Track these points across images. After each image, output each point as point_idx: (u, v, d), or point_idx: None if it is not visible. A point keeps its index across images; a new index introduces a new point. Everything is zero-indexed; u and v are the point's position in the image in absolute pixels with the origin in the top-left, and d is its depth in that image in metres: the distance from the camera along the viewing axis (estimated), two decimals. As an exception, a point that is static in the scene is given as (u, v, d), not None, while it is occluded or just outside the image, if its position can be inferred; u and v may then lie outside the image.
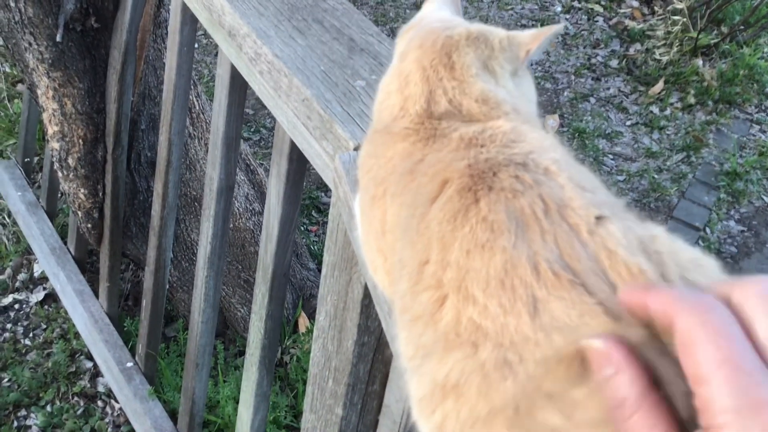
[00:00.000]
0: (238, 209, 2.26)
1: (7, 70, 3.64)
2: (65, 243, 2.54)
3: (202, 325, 1.81)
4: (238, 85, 1.40)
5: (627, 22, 4.45)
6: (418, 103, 0.68)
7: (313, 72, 1.01)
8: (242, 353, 2.51)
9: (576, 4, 4.62)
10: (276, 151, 1.29)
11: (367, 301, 1.00)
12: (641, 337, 0.48)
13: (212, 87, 1.45)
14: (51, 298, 2.60)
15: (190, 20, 1.58)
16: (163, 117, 1.75)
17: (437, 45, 0.71)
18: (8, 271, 2.69)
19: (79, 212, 2.11)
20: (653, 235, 0.55)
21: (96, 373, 2.34)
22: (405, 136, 0.68)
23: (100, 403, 2.27)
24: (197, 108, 2.11)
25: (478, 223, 0.55)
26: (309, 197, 3.05)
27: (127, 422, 2.19)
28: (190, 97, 2.04)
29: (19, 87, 3.55)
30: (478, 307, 0.53)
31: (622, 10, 4.57)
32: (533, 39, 0.74)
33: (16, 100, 3.46)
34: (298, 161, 1.27)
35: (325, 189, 3.09)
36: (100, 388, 2.31)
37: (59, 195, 2.73)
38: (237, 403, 2.20)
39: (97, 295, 2.35)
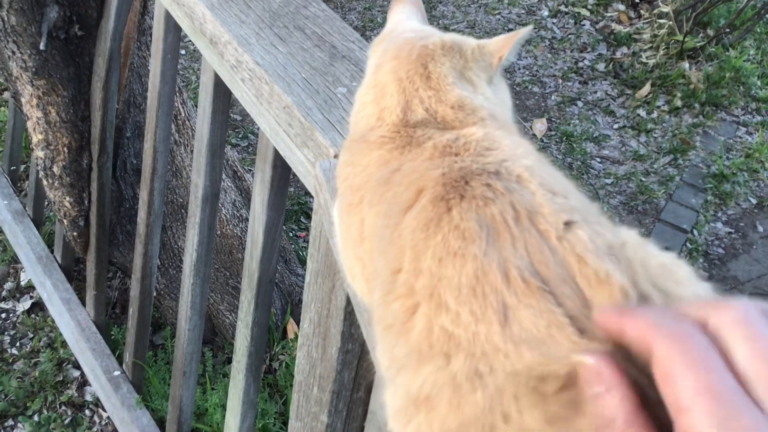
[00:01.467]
0: (225, 216, 2.26)
1: (-7, 77, 3.62)
2: (52, 251, 2.52)
3: (189, 333, 1.80)
4: (222, 92, 1.40)
5: (613, 25, 4.47)
6: (395, 113, 0.69)
7: (294, 79, 1.01)
8: (231, 360, 2.50)
9: (563, 8, 4.63)
10: (260, 158, 1.28)
11: (350, 308, 1.00)
12: (605, 352, 0.48)
13: (198, 100, 1.46)
14: (38, 306, 2.58)
15: (173, 28, 1.58)
16: (148, 124, 1.74)
17: (413, 55, 0.71)
18: (-5, 280, 2.67)
19: (65, 221, 2.10)
20: (623, 242, 0.56)
21: (83, 382, 2.33)
22: (381, 144, 0.68)
23: (87, 412, 2.26)
24: (183, 115, 2.10)
25: (450, 232, 0.55)
26: (297, 203, 3.05)
27: (115, 431, 2.17)
28: (176, 103, 2.03)
29: (5, 95, 3.53)
30: (451, 315, 0.53)
31: (608, 14, 4.59)
32: (503, 45, 0.74)
33: (2, 108, 3.44)
34: (282, 168, 1.27)
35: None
36: (88, 397, 2.29)
37: (46, 203, 2.72)
38: (225, 409, 2.21)
39: (84, 303, 2.34)
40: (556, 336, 0.48)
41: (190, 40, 4.01)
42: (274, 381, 2.38)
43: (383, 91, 0.70)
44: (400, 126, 0.67)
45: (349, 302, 0.99)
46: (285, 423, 2.27)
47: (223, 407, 2.20)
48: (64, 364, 2.38)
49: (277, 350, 2.45)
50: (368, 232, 0.66)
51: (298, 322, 2.49)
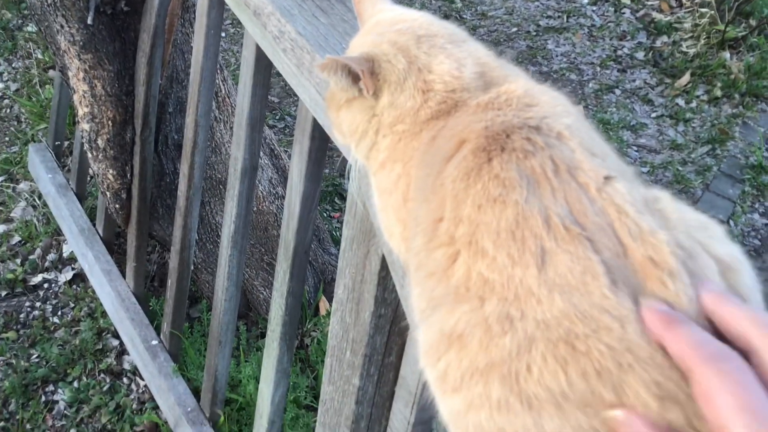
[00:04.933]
0: (261, 192, 2.30)
1: (39, 56, 3.72)
2: (94, 225, 2.59)
3: (226, 303, 1.85)
4: (263, 65, 1.44)
5: (654, 14, 4.42)
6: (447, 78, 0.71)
7: (334, 49, 1.04)
8: (264, 335, 2.54)
9: (603, -5, 4.59)
10: (299, 130, 1.32)
11: (384, 273, 1.03)
12: (631, 309, 0.50)
13: (239, 75, 1.49)
14: (79, 278, 2.66)
15: (217, 3, 1.61)
16: (190, 98, 1.79)
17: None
18: (38, 251, 2.76)
19: (108, 193, 2.16)
20: (657, 197, 0.58)
21: (122, 351, 2.40)
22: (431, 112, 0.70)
23: (125, 380, 2.33)
24: (223, 92, 2.15)
25: (490, 180, 0.58)
26: (332, 184, 3.09)
27: (152, 399, 2.24)
28: (217, 80, 2.07)
29: (51, 73, 3.62)
30: (487, 260, 0.55)
31: (649, 2, 4.54)
32: None
33: (47, 86, 3.53)
34: (320, 139, 1.30)
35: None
36: (126, 366, 2.36)
37: (88, 178, 2.79)
38: (258, 381, 2.26)
39: (124, 275, 2.40)
40: (590, 284, 0.50)
41: (230, 23, 4.07)
42: (306, 356, 2.43)
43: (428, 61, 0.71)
44: (448, 92, 0.69)
45: (383, 267, 1.02)
46: (316, 397, 2.31)
47: (256, 379, 2.25)
48: (104, 334, 2.45)
49: (309, 327, 2.50)
50: (413, 194, 0.69)
51: (330, 300, 2.53)
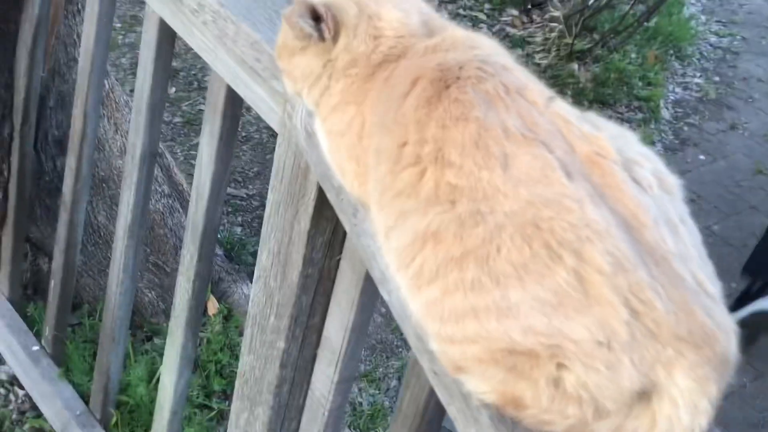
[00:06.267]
0: (147, 191, 2.26)
1: None
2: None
3: (120, 297, 1.81)
4: (165, 48, 1.45)
5: (508, 29, 4.72)
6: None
7: (258, 19, 1.08)
8: (149, 339, 2.50)
9: (461, 11, 4.85)
10: (209, 110, 1.34)
11: (313, 231, 1.08)
12: (589, 190, 0.60)
13: (138, 58, 1.49)
14: (-59, 290, 2.48)
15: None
16: (79, 89, 1.75)
17: None
18: None
19: (-19, 192, 2.06)
20: (587, 113, 0.69)
21: (-3, 362, 2.27)
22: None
23: (2, 390, 2.21)
24: (106, 87, 2.11)
25: (451, 103, 0.66)
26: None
27: (33, 408, 2.13)
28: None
29: None
30: (454, 169, 0.63)
31: (503, 18, 4.85)
32: None
33: None
34: (231, 118, 1.33)
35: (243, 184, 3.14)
36: (2, 376, 2.24)
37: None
38: (149, 383, 2.21)
39: (-4, 281, 2.28)
40: (549, 176, 0.60)
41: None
42: (196, 356, 2.40)
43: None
44: (398, 37, 0.77)
45: (312, 226, 1.07)
46: (207, 395, 2.30)
47: (147, 381, 2.21)
48: (-25, 345, 2.30)
49: (197, 327, 2.47)
50: (368, 130, 0.75)
51: (218, 300, 2.52)
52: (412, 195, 0.65)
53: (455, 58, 0.70)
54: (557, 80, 4.16)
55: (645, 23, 4.53)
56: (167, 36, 1.41)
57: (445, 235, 0.61)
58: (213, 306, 2.49)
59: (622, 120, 4.03)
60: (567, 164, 0.61)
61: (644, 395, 0.58)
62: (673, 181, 0.65)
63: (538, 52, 4.42)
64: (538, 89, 0.68)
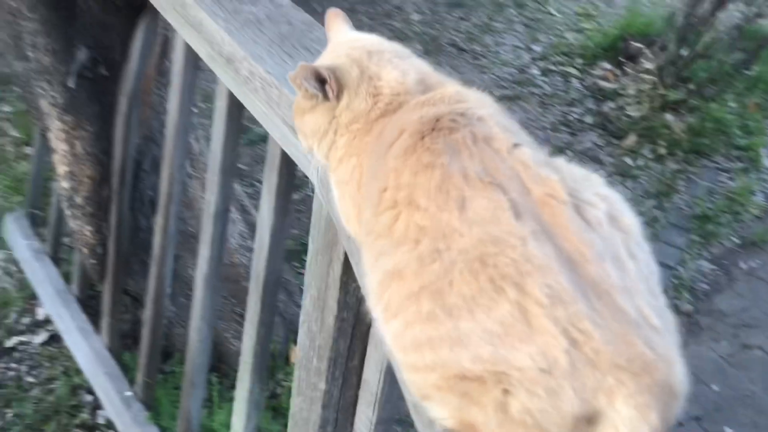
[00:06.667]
0: (233, 246, 2.42)
1: (17, 134, 3.85)
2: (69, 286, 2.68)
3: (199, 344, 1.94)
4: (235, 114, 1.59)
5: (600, 82, 4.71)
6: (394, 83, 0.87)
7: (297, 85, 1.19)
8: (234, 387, 2.62)
9: (552, 67, 4.89)
10: (268, 167, 1.46)
11: (345, 278, 1.15)
12: (535, 228, 0.65)
13: (212, 126, 1.64)
14: (54, 339, 2.71)
15: (191, 65, 1.77)
16: (166, 153, 1.93)
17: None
18: (13, 315, 2.82)
19: (85, 248, 2.26)
20: (554, 159, 0.74)
21: (96, 406, 2.45)
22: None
23: (100, 434, 2.37)
24: (196, 150, 2.29)
25: (423, 152, 0.73)
26: (300, 243, 3.21)
27: (126, 450, 2.28)
28: (190, 139, 2.22)
29: (27, 149, 3.74)
30: (421, 212, 0.70)
31: (595, 72, 4.84)
32: None
33: (22, 161, 3.65)
34: (287, 175, 1.44)
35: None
36: (100, 420, 2.41)
37: (62, 243, 2.88)
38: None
39: (98, 331, 2.47)
40: (500, 217, 0.65)
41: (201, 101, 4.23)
42: (278, 404, 2.50)
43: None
44: (394, 95, 0.85)
45: (344, 271, 1.15)
46: (288, 444, 2.38)
47: (229, 426, 2.31)
48: (78, 390, 2.50)
49: (280, 377, 2.57)
50: (365, 179, 0.83)
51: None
52: (388, 236, 0.72)
53: (435, 111, 0.77)
54: (650, 131, 4.10)
55: (745, 71, 4.41)
56: (235, 106, 1.54)
57: (407, 271, 0.68)
58: (295, 355, 2.59)
59: (719, 170, 3.92)
60: (518, 205, 0.66)
61: (591, 422, 0.61)
62: (629, 221, 0.69)
63: (630, 104, 4.38)
64: (505, 137, 0.73)
